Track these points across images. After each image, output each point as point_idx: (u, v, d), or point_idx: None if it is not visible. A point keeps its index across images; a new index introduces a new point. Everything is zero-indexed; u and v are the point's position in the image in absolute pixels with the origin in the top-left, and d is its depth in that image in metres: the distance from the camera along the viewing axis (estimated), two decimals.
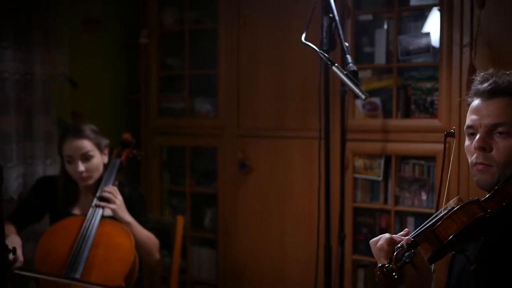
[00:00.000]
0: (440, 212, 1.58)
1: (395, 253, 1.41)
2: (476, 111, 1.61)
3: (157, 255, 2.75)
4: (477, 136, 1.58)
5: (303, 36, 1.93)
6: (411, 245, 1.39)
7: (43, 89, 3.31)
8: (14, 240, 2.51)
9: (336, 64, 1.76)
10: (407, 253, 1.38)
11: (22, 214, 2.75)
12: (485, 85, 1.59)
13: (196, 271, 3.74)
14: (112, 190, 2.64)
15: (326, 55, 1.83)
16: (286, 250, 3.37)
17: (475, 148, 1.58)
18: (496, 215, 1.50)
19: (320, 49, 2.04)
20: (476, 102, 1.62)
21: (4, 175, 3.11)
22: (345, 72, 1.72)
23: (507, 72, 1.62)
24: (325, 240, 2.33)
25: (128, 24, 3.87)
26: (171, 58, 3.80)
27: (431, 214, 3.12)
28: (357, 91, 1.66)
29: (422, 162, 3.06)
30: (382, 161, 3.13)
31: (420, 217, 3.05)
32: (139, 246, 2.64)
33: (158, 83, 3.76)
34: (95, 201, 2.63)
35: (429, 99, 3.01)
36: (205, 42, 3.69)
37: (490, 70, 1.64)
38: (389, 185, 3.12)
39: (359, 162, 3.18)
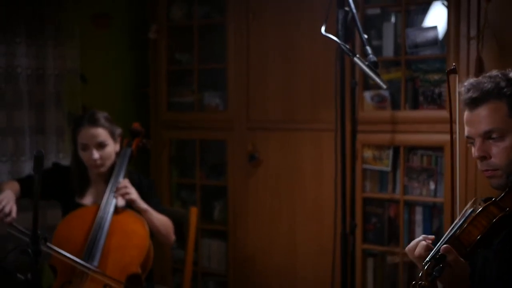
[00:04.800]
0: (461, 218, 1.61)
1: (425, 268, 1.47)
2: (468, 122, 1.68)
3: (173, 236, 2.80)
4: (475, 146, 1.66)
5: (323, 28, 1.98)
6: (440, 259, 1.45)
7: (55, 84, 3.37)
8: (7, 195, 2.51)
9: (357, 55, 1.81)
10: (436, 268, 1.44)
11: (29, 182, 2.63)
12: (468, 95, 1.65)
13: (206, 263, 3.79)
14: (126, 184, 2.66)
15: (347, 46, 1.89)
16: (296, 242, 3.40)
17: (475, 158, 1.66)
18: None
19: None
20: (466, 112, 1.69)
21: (18, 169, 3.21)
22: (366, 63, 1.78)
23: (487, 74, 1.67)
24: (341, 228, 2.38)
25: (137, 19, 3.91)
26: (180, 52, 3.83)
27: (439, 203, 3.15)
28: (378, 80, 1.72)
29: (430, 152, 3.10)
30: (391, 152, 3.18)
31: (429, 207, 3.10)
32: (157, 231, 2.70)
33: (167, 77, 3.79)
34: (110, 192, 2.65)
35: (437, 90, 3.06)
36: (214, 36, 3.72)
37: (471, 79, 1.69)
38: (398, 175, 3.17)
39: (368, 153, 3.23)
